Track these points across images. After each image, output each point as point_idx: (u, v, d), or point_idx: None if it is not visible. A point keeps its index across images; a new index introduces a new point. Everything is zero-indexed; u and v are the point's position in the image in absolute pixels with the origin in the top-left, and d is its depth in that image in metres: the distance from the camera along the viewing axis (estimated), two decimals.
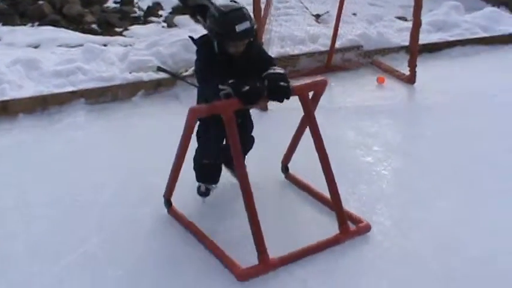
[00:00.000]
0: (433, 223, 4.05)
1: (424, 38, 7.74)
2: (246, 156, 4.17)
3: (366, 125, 5.63)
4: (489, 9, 9.56)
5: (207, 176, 4.30)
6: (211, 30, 3.68)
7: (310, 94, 3.89)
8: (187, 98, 6.03)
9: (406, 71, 6.81)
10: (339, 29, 7.07)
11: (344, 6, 6.95)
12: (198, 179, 4.30)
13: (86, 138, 5.24)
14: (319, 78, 3.92)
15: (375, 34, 7.74)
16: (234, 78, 3.51)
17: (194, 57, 6.50)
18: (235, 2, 3.73)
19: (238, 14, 3.59)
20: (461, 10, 9.48)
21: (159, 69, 6.31)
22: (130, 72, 6.20)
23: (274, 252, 3.55)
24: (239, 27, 3.54)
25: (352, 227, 3.89)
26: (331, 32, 7.13)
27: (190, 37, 3.97)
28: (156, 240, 3.88)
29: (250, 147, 4.32)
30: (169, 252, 3.75)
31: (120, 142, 5.17)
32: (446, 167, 4.83)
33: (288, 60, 6.89)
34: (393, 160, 4.95)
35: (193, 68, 6.38)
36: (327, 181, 3.87)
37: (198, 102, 4.01)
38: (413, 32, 6.73)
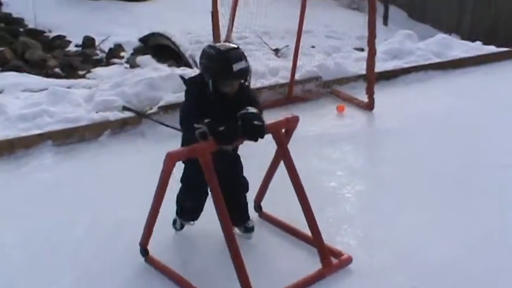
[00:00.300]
0: (395, 239, 4.22)
1: (380, 66, 8.05)
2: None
3: (328, 152, 5.82)
4: (441, 36, 9.98)
5: (187, 214, 4.27)
6: (206, 68, 3.64)
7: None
8: (153, 135, 6.19)
9: (364, 98, 7.04)
10: (298, 61, 7.29)
11: (302, 40, 7.19)
12: (178, 214, 4.28)
13: (53, 179, 5.27)
14: (290, 115, 3.91)
15: (332, 65, 7.99)
16: (225, 119, 3.48)
17: (158, 95, 6.69)
18: (229, 42, 3.82)
19: (235, 53, 3.60)
20: (414, 38, 9.85)
21: (125, 108, 6.42)
22: (96, 112, 6.29)
23: None
24: (236, 66, 3.55)
25: (333, 260, 3.89)
26: (290, 65, 7.33)
27: (180, 77, 3.98)
28: (131, 274, 3.92)
29: (246, 190, 4.22)
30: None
31: (88, 181, 5.21)
32: (406, 187, 5.04)
33: None
34: (356, 183, 5.12)
35: (157, 106, 6.53)
36: (306, 217, 3.88)
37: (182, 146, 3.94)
38: (369, 61, 6.99)
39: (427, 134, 6.20)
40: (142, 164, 5.50)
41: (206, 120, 3.46)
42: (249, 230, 4.26)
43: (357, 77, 7.85)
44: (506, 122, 6.61)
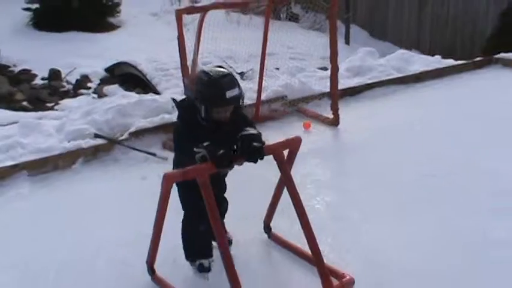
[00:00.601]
0: (362, 245, 4.46)
1: (343, 83, 8.31)
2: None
3: (297, 167, 5.97)
4: (401, 52, 10.30)
5: (204, 247, 4.12)
6: (199, 94, 3.62)
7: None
8: (126, 160, 6.32)
9: (329, 114, 7.26)
10: (264, 82, 7.50)
11: (267, 62, 7.39)
12: (196, 256, 4.14)
13: (31, 208, 5.35)
14: (292, 136, 3.91)
15: (297, 84, 8.21)
16: (220, 142, 3.49)
17: (128, 121, 6.81)
18: (221, 67, 3.74)
19: (228, 80, 3.59)
20: (375, 55, 10.15)
21: (96, 135, 6.54)
22: (68, 141, 6.39)
23: None
24: (229, 94, 3.54)
25: (335, 282, 3.88)
26: (256, 87, 7.52)
27: (173, 99, 4.00)
28: None
29: (227, 209, 4.29)
30: None
31: (65, 208, 5.31)
32: (372, 196, 5.28)
33: None
34: (324, 195, 5.32)
35: (128, 132, 6.66)
36: (307, 239, 3.85)
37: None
38: (332, 77, 7.22)
39: (390, 145, 6.44)
40: (117, 188, 5.66)
41: (205, 144, 3.47)
42: (229, 243, 4.27)
43: (322, 95, 8.07)
44: (467, 130, 6.90)
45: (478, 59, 10.32)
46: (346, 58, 9.87)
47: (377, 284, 4.00)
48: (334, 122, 7.19)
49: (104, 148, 6.46)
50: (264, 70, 7.43)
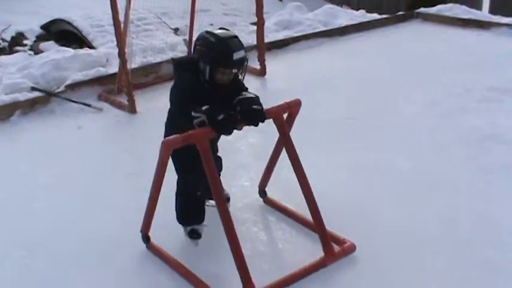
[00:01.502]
0: (287, 181, 4.59)
1: (272, 37, 8.76)
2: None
3: None
4: (328, 6, 10.78)
5: (196, 213, 4.06)
6: (204, 55, 3.51)
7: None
8: (63, 111, 6.62)
9: (257, 65, 7.70)
10: (195, 35, 7.81)
11: (201, 19, 7.71)
12: (188, 221, 4.06)
13: None
14: (292, 100, 3.85)
15: None
16: (219, 106, 3.40)
17: (64, 74, 7.08)
18: (226, 29, 3.64)
19: (236, 41, 3.50)
20: (304, 10, 10.59)
21: (33, 88, 6.79)
22: (6, 94, 6.62)
23: (260, 281, 3.48)
24: (236, 55, 3.45)
25: (336, 247, 3.85)
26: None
27: (172, 59, 3.86)
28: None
29: (221, 167, 4.20)
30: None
31: (2, 157, 5.62)
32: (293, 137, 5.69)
33: (152, 68, 7.59)
34: (250, 136, 5.71)
35: (64, 84, 6.94)
36: (308, 205, 3.82)
37: (168, 131, 3.76)
38: (259, 30, 7.65)
39: (312, 92, 6.89)
40: (54, 137, 5.99)
41: (204, 108, 3.37)
42: (227, 200, 4.32)
43: (251, 47, 8.44)
44: (386, 77, 7.50)
45: (400, 13, 10.89)
46: (275, 12, 10.29)
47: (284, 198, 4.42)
48: (262, 72, 7.63)
49: (40, 101, 6.72)
50: (195, 24, 7.77)
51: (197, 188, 3.91)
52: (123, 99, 6.67)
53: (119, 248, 4.07)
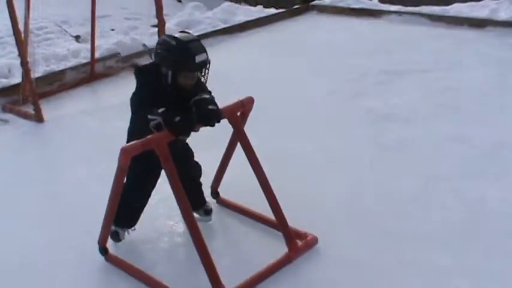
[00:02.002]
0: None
1: None
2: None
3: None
4: (226, 4, 11.04)
5: (130, 219, 4.04)
6: (165, 59, 3.47)
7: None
8: None
9: None
10: (97, 41, 7.90)
11: (102, 24, 7.76)
12: (119, 223, 4.00)
13: None
14: (245, 97, 3.85)
15: (129, 41, 8.69)
16: (181, 110, 3.37)
17: None
18: (187, 32, 3.61)
19: (197, 44, 3.47)
20: (203, 9, 10.83)
21: None
22: None
23: (228, 283, 3.46)
24: (198, 58, 3.41)
25: (299, 242, 3.86)
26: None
27: (134, 65, 3.83)
28: None
29: (199, 174, 4.17)
30: None
31: None
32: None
33: (56, 76, 7.62)
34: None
35: None
36: (268, 201, 3.81)
37: (129, 140, 3.65)
38: (160, 32, 7.76)
39: (212, 87, 7.06)
40: None
41: (160, 110, 3.30)
42: (208, 212, 4.28)
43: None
44: (287, 67, 7.86)
45: (296, 7, 11.30)
46: (174, 14, 10.46)
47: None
48: None
49: None
50: (96, 30, 7.83)
51: (135, 199, 3.91)
52: (29, 109, 6.65)
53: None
